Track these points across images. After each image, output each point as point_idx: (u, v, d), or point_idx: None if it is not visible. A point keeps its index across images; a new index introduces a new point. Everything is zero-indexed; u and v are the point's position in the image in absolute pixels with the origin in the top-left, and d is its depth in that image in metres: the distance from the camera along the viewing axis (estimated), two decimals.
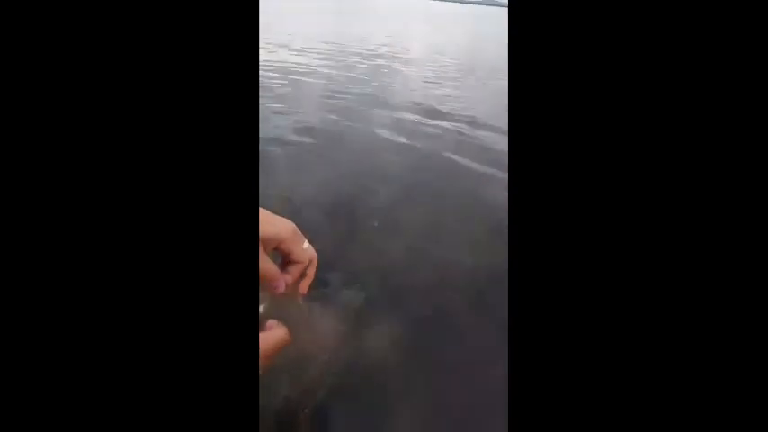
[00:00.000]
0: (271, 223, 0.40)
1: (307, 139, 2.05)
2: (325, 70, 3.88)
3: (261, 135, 1.97)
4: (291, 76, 3.43)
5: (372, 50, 5.48)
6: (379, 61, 4.65)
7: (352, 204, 1.42)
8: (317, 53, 4.76)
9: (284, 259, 0.42)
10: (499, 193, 1.59)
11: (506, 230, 0.32)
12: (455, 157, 1.96)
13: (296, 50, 4.80)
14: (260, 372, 0.35)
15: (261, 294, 0.41)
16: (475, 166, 1.88)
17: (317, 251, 0.44)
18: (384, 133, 2.24)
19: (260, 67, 3.51)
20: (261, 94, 2.75)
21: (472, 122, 2.53)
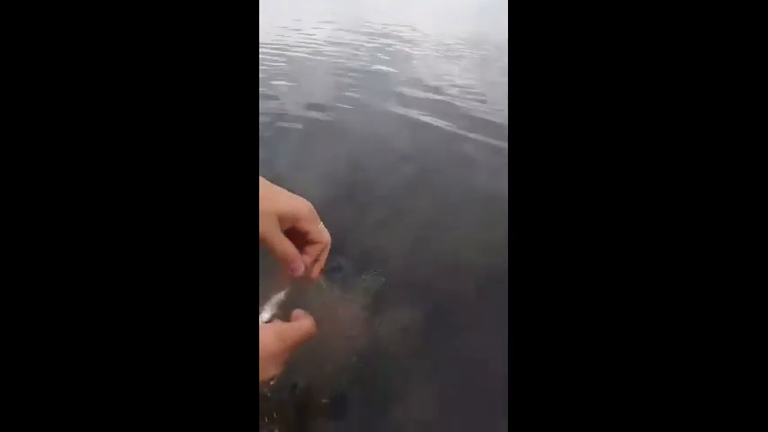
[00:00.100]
0: (287, 201, 0.37)
1: (318, 115, 2.01)
2: (332, 48, 3.80)
3: (269, 113, 1.93)
4: (297, 54, 3.36)
5: (378, 30, 5.36)
6: (385, 40, 4.55)
7: (365, 184, 1.37)
8: (324, 32, 4.66)
9: (301, 239, 0.39)
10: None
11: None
12: (470, 134, 1.89)
13: (299, 30, 4.71)
14: (283, 364, 0.34)
15: (279, 279, 0.39)
16: (490, 140, 1.81)
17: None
18: (395, 110, 2.18)
19: (266, 47, 3.46)
20: (267, 72, 2.70)
21: (482, 101, 2.46)
